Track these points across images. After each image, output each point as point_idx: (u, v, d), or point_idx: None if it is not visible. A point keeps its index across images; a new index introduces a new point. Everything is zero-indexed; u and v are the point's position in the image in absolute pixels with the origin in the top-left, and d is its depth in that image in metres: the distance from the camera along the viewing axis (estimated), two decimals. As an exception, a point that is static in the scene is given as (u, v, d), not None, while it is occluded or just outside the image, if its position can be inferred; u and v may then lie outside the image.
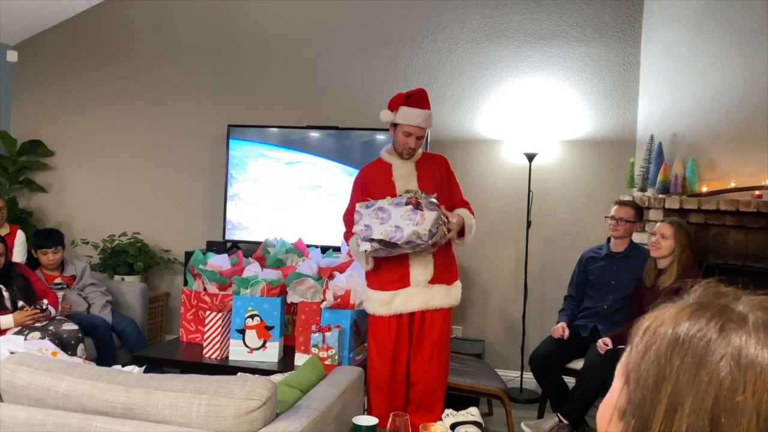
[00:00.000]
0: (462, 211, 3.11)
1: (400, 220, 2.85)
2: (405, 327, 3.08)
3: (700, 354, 0.63)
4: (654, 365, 0.65)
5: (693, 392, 0.62)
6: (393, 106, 3.04)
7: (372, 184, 3.11)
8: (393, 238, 2.84)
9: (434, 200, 2.95)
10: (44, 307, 3.54)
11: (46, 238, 4.01)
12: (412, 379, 3.13)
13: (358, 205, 3.01)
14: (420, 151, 3.16)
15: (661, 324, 0.67)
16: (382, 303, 3.06)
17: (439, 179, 3.14)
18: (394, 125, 3.06)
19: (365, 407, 3.01)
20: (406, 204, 2.89)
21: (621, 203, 3.74)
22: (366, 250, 2.95)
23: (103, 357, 3.81)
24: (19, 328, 3.46)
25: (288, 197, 4.64)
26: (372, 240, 2.89)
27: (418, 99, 3.02)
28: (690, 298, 0.70)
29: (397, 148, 3.09)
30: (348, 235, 3.13)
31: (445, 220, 2.96)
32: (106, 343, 3.87)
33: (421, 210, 2.87)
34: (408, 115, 2.99)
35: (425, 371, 3.08)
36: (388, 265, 3.06)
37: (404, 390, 3.14)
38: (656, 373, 0.65)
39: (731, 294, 0.69)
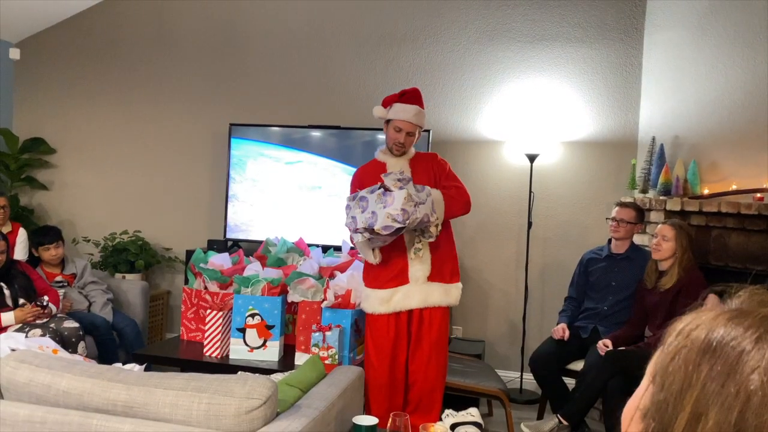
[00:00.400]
0: (432, 189, 3.01)
1: (374, 206, 2.83)
2: (404, 326, 3.08)
3: (731, 364, 0.59)
4: (681, 370, 0.62)
5: (718, 404, 0.59)
6: (387, 103, 3.09)
7: (367, 184, 3.10)
8: (371, 225, 2.80)
9: (401, 176, 2.89)
10: (45, 303, 3.54)
11: (45, 234, 4.05)
12: (410, 380, 3.13)
13: (347, 198, 3.01)
14: (413, 150, 3.17)
15: (695, 327, 0.64)
16: (381, 301, 3.06)
17: (433, 175, 3.14)
18: (387, 122, 3.10)
19: (364, 407, 3.01)
20: (380, 188, 2.88)
21: (622, 204, 3.74)
22: (359, 241, 2.95)
23: (105, 356, 3.81)
24: (20, 325, 3.46)
25: (289, 197, 4.64)
26: (357, 231, 2.88)
27: (411, 96, 3.08)
28: (732, 303, 0.67)
29: (388, 144, 3.13)
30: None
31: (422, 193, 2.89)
32: (107, 342, 3.88)
33: (390, 191, 2.84)
34: (399, 111, 3.04)
35: (424, 371, 3.08)
36: (386, 262, 3.06)
37: (403, 390, 3.14)
38: (682, 378, 0.62)
39: None
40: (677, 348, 0.64)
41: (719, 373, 0.60)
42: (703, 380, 0.60)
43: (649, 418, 0.64)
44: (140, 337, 4.13)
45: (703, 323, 0.64)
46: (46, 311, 3.54)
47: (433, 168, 3.15)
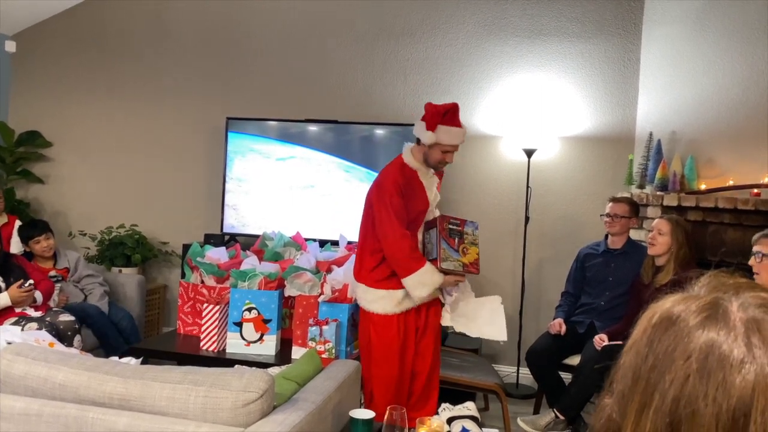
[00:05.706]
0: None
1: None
2: (411, 322, 3.10)
3: (671, 353, 0.60)
4: (633, 361, 0.64)
5: (658, 392, 0.60)
6: (431, 124, 2.97)
7: (409, 194, 3.04)
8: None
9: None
10: (27, 284, 3.48)
11: (34, 227, 4.03)
12: (416, 370, 3.13)
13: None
14: None
15: (650, 317, 0.65)
16: (397, 302, 3.02)
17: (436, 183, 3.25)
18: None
19: (361, 401, 3.01)
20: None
21: (615, 200, 3.73)
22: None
23: (105, 343, 3.82)
24: (16, 318, 3.45)
25: (287, 190, 4.64)
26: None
27: (454, 115, 3.01)
28: (693, 289, 0.67)
29: (431, 162, 3.06)
30: (410, 263, 2.95)
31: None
32: (104, 329, 3.86)
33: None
34: (449, 136, 2.98)
35: (431, 357, 3.11)
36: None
37: (408, 383, 3.15)
38: (634, 368, 0.63)
39: (732, 288, 0.64)
40: (633, 339, 0.66)
41: (660, 362, 0.61)
42: (649, 370, 0.62)
43: (610, 409, 0.66)
44: (136, 330, 4.12)
45: (657, 312, 0.65)
46: (31, 289, 3.49)
47: (439, 178, 3.25)
